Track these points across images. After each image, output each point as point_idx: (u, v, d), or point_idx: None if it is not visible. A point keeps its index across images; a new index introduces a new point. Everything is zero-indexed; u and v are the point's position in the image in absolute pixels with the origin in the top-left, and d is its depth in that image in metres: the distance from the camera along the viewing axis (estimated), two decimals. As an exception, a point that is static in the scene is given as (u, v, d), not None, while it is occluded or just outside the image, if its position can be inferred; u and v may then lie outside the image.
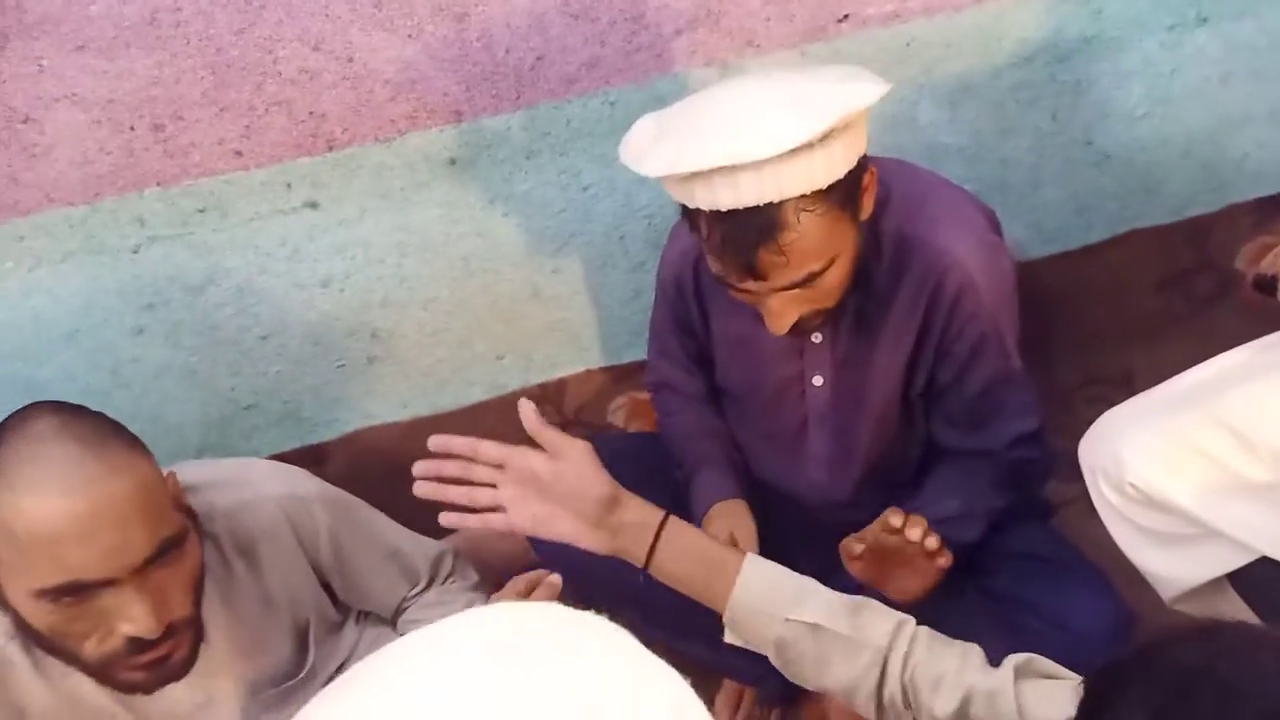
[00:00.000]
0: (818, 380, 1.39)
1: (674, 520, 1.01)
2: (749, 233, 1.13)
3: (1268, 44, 1.84)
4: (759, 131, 1.07)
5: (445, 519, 1.00)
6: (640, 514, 1.01)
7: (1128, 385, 1.19)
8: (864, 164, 1.19)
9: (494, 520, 0.99)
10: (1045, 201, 1.87)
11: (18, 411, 1.00)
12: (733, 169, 1.08)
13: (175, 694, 1.08)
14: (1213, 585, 1.13)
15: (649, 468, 1.48)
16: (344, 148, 1.51)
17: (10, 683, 1.06)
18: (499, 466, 1.00)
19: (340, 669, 1.24)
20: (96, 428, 0.99)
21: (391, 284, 1.64)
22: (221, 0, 1.35)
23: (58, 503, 0.93)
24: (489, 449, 1.00)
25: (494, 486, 1.00)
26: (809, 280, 1.19)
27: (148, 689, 1.04)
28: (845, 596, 0.97)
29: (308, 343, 1.65)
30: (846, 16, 1.62)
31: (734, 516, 1.41)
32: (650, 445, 1.58)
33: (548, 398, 1.83)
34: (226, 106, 1.43)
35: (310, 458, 1.73)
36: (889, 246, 1.29)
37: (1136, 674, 0.62)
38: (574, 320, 1.78)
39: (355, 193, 1.55)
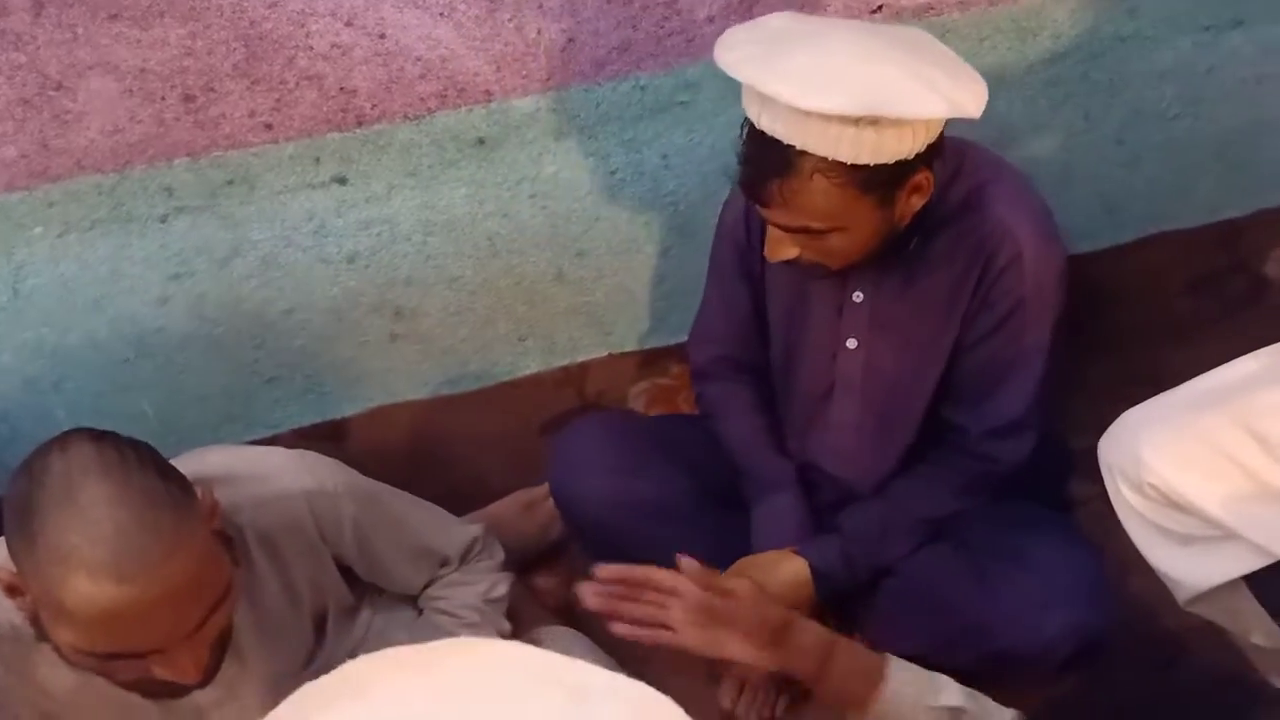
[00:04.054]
0: (851, 343, 1.40)
1: (843, 642, 1.05)
2: (767, 160, 1.18)
3: (1304, 48, 1.82)
4: (811, 82, 1.11)
5: (617, 630, 1.04)
6: (815, 637, 1.05)
7: (1156, 386, 1.17)
8: (916, 166, 1.19)
9: (663, 637, 1.04)
10: (1075, 200, 1.85)
11: (55, 454, 0.92)
12: (776, 100, 1.12)
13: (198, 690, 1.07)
14: (1228, 588, 1.12)
15: (669, 447, 1.49)
16: (373, 124, 1.51)
17: (33, 662, 1.04)
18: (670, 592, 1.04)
19: (353, 653, 1.24)
20: (148, 490, 0.92)
21: (416, 262, 1.64)
22: (256, -27, 1.36)
23: (113, 589, 0.88)
24: (661, 579, 1.04)
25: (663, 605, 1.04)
26: (804, 232, 1.22)
27: (175, 697, 1.03)
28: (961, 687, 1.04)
29: (331, 318, 1.66)
30: (880, 7, 1.61)
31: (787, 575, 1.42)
32: (671, 427, 1.58)
33: (569, 381, 1.83)
34: (257, 79, 1.43)
35: (331, 433, 1.74)
36: (953, 215, 1.30)
37: None
38: (597, 304, 1.78)
39: (383, 170, 1.55)
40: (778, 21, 1.22)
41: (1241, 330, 1.42)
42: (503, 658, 0.51)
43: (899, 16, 1.62)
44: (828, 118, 1.11)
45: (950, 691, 1.02)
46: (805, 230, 1.22)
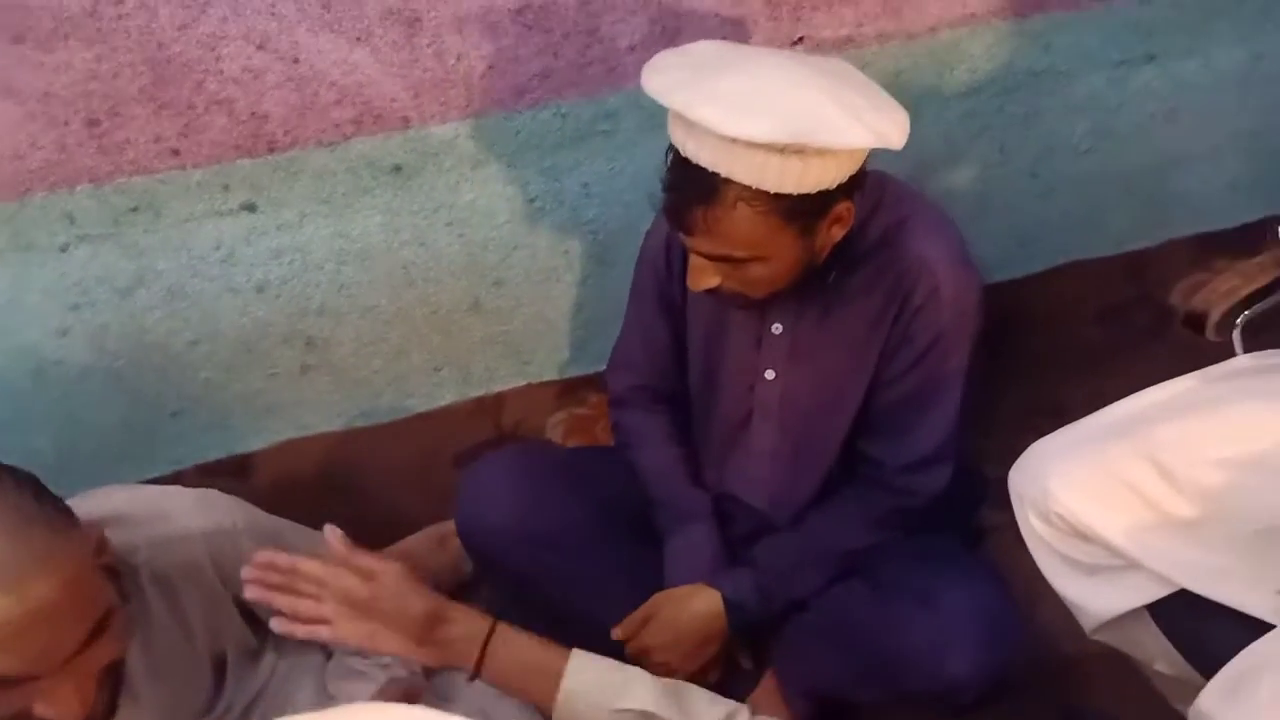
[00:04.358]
0: (770, 374, 1.41)
1: (500, 630, 1.01)
2: (691, 187, 1.19)
3: (1213, 83, 1.88)
4: (739, 109, 1.11)
5: (275, 626, 1.00)
6: (465, 628, 1.00)
7: (1065, 417, 1.20)
8: (837, 196, 1.20)
9: (320, 632, 1.00)
10: (989, 232, 1.88)
11: None
12: (703, 126, 1.12)
13: None
14: (1133, 616, 1.14)
15: (580, 481, 1.48)
16: (285, 150, 1.48)
17: None
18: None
19: (256, 699, 1.22)
20: (21, 507, 0.92)
21: (329, 291, 1.61)
22: (164, -5, 1.33)
23: None
24: (309, 568, 1.00)
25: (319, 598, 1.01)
26: (726, 261, 1.23)
27: None
28: (669, 681, 0.99)
29: (240, 349, 1.61)
30: (801, 39, 1.62)
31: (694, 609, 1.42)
32: (585, 459, 1.57)
33: (485, 411, 1.81)
34: (165, 103, 1.40)
35: (236, 468, 1.69)
36: (872, 249, 1.32)
37: None
38: (515, 334, 1.76)
39: (295, 197, 1.52)
40: (705, 48, 1.23)
41: (1149, 361, 1.45)
42: None
43: (820, 48, 1.63)
44: (753, 146, 1.12)
45: (638, 693, 0.97)
46: (727, 259, 1.23)
